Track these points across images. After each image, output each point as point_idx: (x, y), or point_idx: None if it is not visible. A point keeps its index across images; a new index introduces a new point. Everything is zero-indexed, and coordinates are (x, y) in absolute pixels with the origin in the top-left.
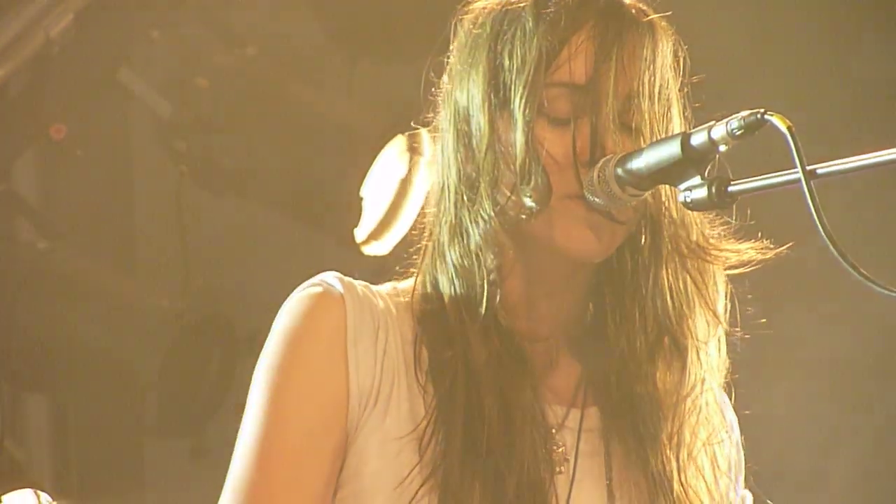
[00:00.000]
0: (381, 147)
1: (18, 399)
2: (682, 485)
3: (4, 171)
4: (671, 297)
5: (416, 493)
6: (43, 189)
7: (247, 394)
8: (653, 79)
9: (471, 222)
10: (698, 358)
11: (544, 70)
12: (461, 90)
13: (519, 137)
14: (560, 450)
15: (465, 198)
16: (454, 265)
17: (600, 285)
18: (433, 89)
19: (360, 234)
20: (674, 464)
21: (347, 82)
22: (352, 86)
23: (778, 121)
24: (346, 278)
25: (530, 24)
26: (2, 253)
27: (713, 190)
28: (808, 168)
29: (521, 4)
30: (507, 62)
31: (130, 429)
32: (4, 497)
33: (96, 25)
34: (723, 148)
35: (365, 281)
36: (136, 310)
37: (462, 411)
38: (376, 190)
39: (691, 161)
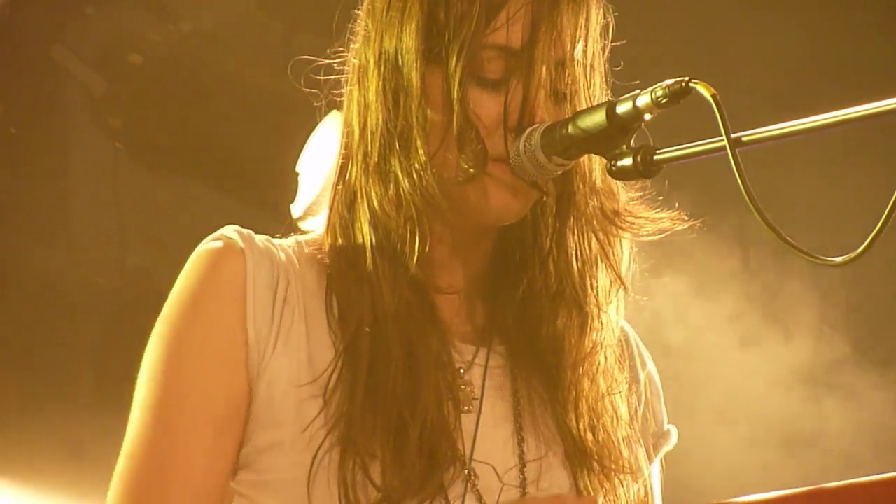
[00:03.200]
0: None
1: None
2: (585, 429)
3: None
4: (576, 257)
5: (322, 441)
6: None
7: None
8: (585, 48)
9: (401, 171)
10: (599, 316)
11: (482, 30)
12: (389, 37)
13: (454, 98)
14: (467, 389)
15: (397, 146)
16: (374, 210)
17: (508, 241)
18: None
19: (295, 209)
20: (575, 412)
21: (283, 57)
22: (288, 61)
23: (702, 88)
24: (246, 231)
25: None
26: None
27: (638, 159)
28: (734, 136)
29: None
30: (442, 16)
31: (66, 406)
32: None
33: (30, 2)
34: (648, 116)
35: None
36: (72, 287)
37: (366, 359)
38: (312, 165)
39: (617, 130)
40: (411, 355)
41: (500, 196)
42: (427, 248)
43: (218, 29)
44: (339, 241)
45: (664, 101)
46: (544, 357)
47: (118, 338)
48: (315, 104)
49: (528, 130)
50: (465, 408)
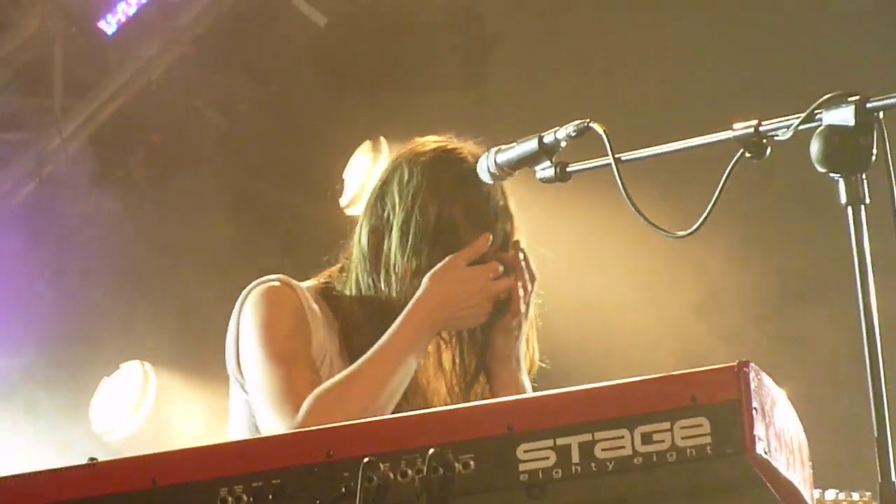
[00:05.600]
0: None
1: None
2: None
3: None
4: None
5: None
6: None
7: None
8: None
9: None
10: None
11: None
12: (422, 212)
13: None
14: None
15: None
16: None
17: None
18: None
19: (342, 200)
20: None
21: None
22: None
23: (597, 126)
24: (285, 277)
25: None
26: None
27: (557, 170)
28: (617, 156)
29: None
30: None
31: None
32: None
33: None
34: (563, 144)
35: None
36: None
37: None
38: (353, 173)
39: (543, 152)
40: None
41: None
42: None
43: None
44: (354, 293)
45: (574, 134)
46: None
47: None
48: None
49: (489, 152)
50: None
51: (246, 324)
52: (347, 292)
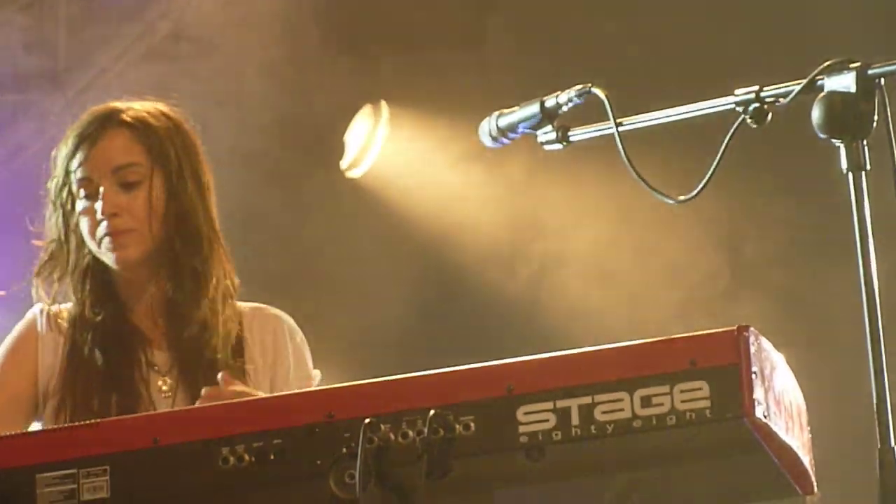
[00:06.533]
0: None
1: None
2: None
3: None
4: None
5: None
6: None
7: None
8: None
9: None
10: None
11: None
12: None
13: None
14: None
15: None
16: None
17: None
18: None
19: (343, 163)
20: None
21: None
22: None
23: (599, 91)
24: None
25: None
26: None
27: (559, 134)
28: (618, 121)
29: None
30: None
31: None
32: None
33: None
34: (565, 109)
35: None
36: None
37: None
38: (353, 137)
39: (545, 116)
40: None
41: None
42: None
43: None
44: None
45: (576, 98)
46: None
47: None
48: None
49: (491, 116)
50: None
51: None
52: None
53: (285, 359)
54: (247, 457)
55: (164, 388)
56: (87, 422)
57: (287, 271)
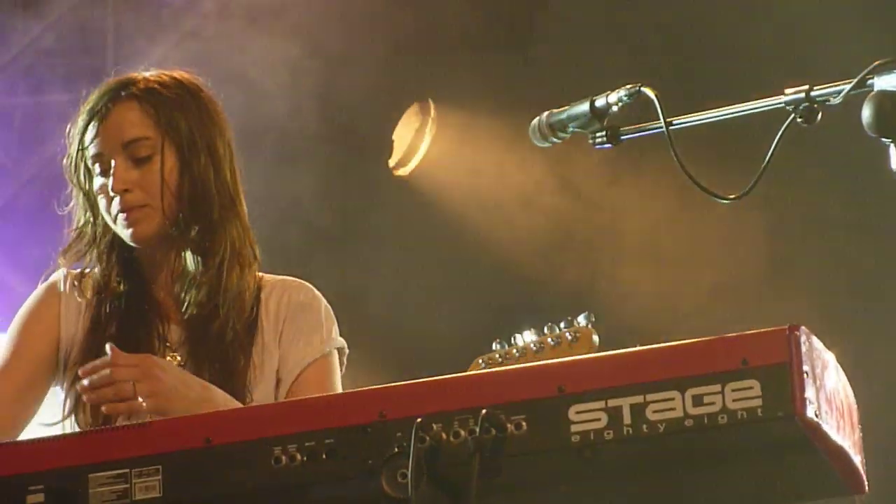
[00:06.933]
0: None
1: None
2: None
3: None
4: None
5: None
6: None
7: None
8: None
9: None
10: None
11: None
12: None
13: None
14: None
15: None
16: None
17: None
18: None
19: (391, 161)
20: None
21: None
22: None
23: (649, 91)
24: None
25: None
26: None
27: (609, 133)
28: (668, 120)
29: None
30: None
31: None
32: None
33: None
34: (615, 108)
35: None
36: None
37: None
38: (401, 135)
39: (595, 115)
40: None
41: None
42: None
43: None
44: None
45: (627, 98)
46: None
47: None
48: None
49: (541, 115)
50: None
51: None
52: None
53: (297, 329)
54: (299, 456)
55: (174, 364)
56: (140, 422)
57: (334, 272)
